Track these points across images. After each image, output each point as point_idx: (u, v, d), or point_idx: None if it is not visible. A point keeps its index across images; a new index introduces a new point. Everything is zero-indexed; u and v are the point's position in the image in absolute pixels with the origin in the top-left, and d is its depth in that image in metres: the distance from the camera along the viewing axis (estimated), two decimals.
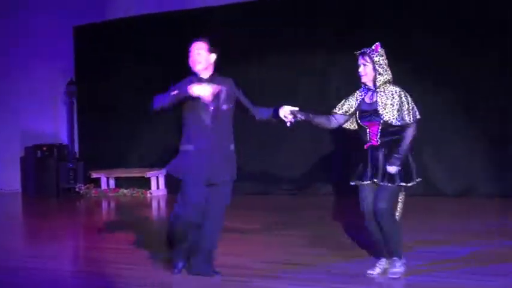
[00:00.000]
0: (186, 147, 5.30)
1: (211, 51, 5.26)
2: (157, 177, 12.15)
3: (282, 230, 7.56)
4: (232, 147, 5.35)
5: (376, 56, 5.06)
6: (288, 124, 5.31)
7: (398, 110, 5.01)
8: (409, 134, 5.03)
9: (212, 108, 5.16)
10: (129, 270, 5.68)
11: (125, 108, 12.61)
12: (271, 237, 7.18)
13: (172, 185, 12.13)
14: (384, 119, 5.02)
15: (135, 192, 12.07)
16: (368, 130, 5.14)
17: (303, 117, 5.29)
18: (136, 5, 12.44)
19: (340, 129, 5.43)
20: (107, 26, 12.77)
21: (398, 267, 5.11)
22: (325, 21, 10.76)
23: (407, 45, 9.73)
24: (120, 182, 12.57)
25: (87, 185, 12.50)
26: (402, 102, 5.01)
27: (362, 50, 5.15)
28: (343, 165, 10.79)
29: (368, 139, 5.15)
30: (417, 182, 5.10)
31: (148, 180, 12.05)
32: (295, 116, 5.28)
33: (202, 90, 4.96)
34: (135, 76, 12.50)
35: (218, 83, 5.22)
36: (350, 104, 5.26)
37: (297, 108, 5.29)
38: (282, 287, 5.04)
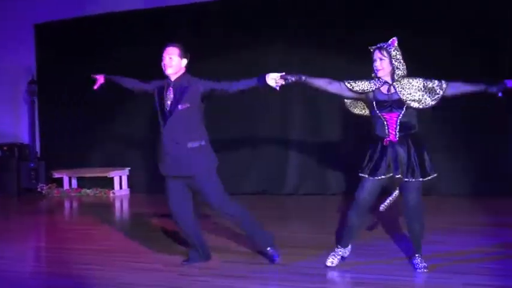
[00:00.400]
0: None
1: (182, 56, 5.56)
2: (120, 177, 12.02)
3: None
4: (192, 144, 5.48)
5: (393, 50, 5.07)
6: (278, 88, 5.30)
7: (423, 94, 5.04)
8: (456, 83, 5.07)
9: (167, 108, 5.51)
10: (92, 271, 5.58)
11: (87, 107, 12.46)
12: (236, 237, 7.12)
13: (135, 184, 12.04)
14: (415, 106, 5.04)
15: (97, 192, 11.93)
16: (385, 122, 5.11)
17: (293, 79, 5.23)
18: (95, 5, 12.28)
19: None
20: (68, 24, 12.58)
21: (423, 262, 5.22)
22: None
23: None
24: (82, 182, 12.40)
25: (49, 185, 12.31)
26: (426, 83, 5.06)
27: (378, 45, 5.14)
28: (304, 165, 10.89)
29: (386, 133, 5.11)
30: (433, 177, 5.14)
31: (111, 180, 11.91)
32: (286, 79, 5.24)
33: None
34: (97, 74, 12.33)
35: (185, 83, 5.52)
36: (362, 86, 5.20)
37: (283, 73, 5.28)
38: (250, 286, 4.99)
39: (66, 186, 12.30)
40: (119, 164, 12.15)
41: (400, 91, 5.05)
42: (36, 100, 12.96)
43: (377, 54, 5.12)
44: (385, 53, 5.07)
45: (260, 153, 11.13)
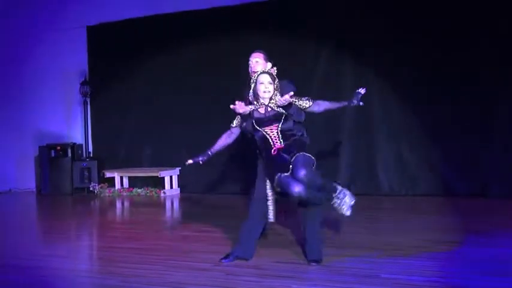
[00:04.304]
0: None
1: (267, 60, 6.01)
2: (170, 176, 12.12)
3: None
4: None
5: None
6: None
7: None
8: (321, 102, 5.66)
9: None
10: (143, 270, 5.64)
11: (138, 107, 12.63)
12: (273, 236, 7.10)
13: (185, 185, 12.11)
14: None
15: (148, 191, 12.05)
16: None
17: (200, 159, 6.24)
18: (149, 5, 12.41)
19: None
20: (120, 26, 12.75)
21: None
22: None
23: None
24: (133, 182, 12.56)
25: (101, 185, 12.50)
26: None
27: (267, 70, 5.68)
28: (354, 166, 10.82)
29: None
30: None
31: (161, 179, 12.03)
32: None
33: None
34: (148, 75, 12.50)
35: None
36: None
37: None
38: (297, 287, 4.98)
39: (117, 185, 12.47)
40: (169, 164, 12.24)
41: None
42: (88, 101, 13.17)
43: (265, 78, 5.62)
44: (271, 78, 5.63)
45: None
